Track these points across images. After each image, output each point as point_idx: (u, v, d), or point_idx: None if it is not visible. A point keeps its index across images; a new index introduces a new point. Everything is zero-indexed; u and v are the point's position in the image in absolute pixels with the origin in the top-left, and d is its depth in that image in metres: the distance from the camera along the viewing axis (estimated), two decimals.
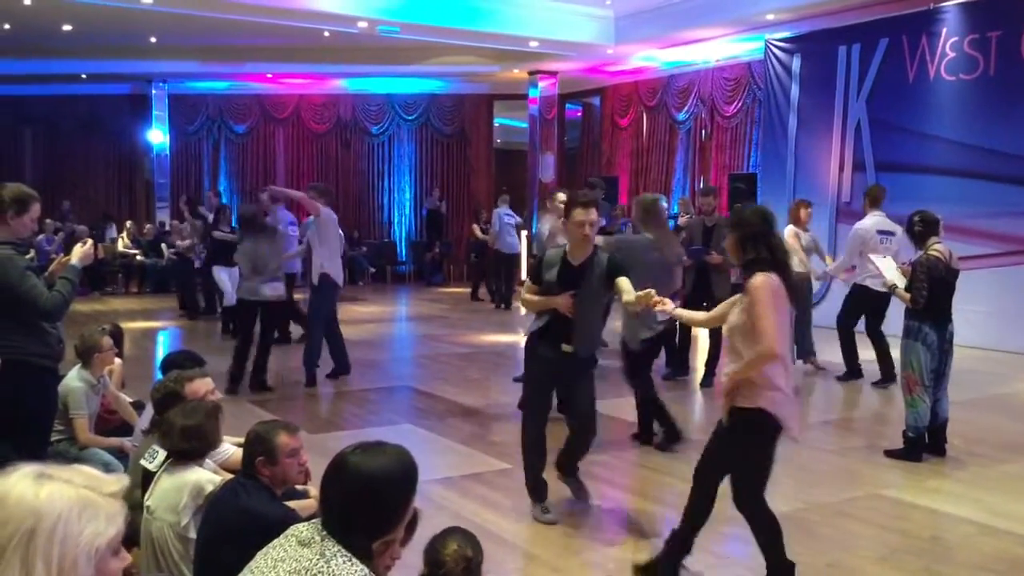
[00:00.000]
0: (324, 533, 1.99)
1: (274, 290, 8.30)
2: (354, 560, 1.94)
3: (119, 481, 1.45)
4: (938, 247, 6.05)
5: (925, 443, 6.10)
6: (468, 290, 16.06)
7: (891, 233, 8.34)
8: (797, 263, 8.77)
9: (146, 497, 3.38)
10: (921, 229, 6.10)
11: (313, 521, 2.09)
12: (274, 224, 8.74)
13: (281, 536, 2.08)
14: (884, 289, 6.79)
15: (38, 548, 1.31)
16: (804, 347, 8.99)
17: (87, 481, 1.40)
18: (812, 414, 7.73)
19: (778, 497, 5.30)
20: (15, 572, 1.30)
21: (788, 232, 8.73)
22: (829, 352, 9.17)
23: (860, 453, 6.31)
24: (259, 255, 8.22)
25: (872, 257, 6.91)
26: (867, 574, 4.25)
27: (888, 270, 6.43)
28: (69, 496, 1.35)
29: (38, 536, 1.31)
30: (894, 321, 6.79)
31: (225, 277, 11.26)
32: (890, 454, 6.11)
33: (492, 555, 4.29)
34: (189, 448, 3.35)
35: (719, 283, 7.94)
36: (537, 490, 4.97)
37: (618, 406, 7.07)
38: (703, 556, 4.25)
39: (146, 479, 3.55)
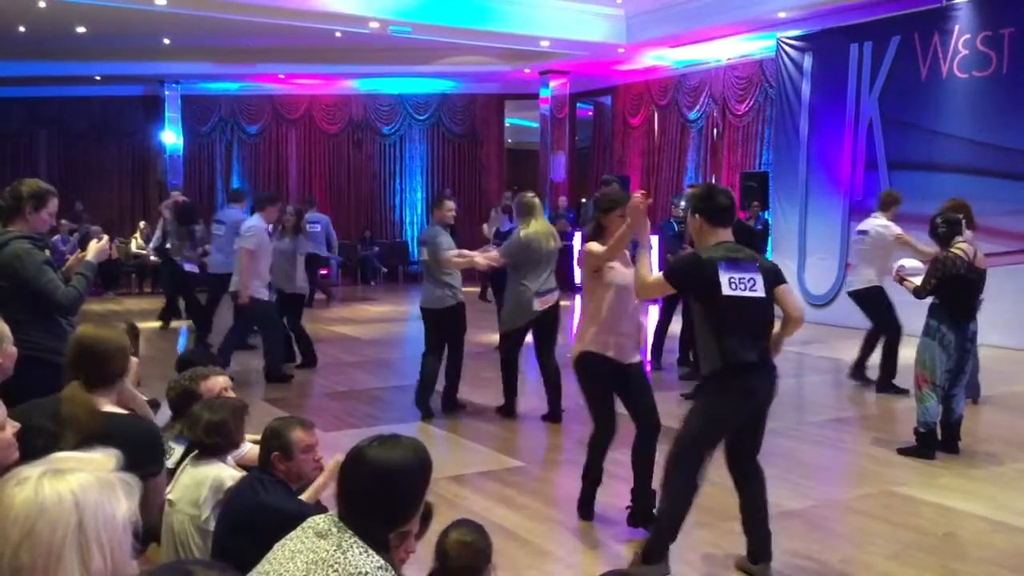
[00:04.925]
0: (341, 525, 2.03)
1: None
2: (370, 551, 1.97)
3: (109, 456, 1.47)
4: (962, 245, 6.01)
5: (937, 440, 6.09)
6: (477, 290, 16.04)
7: (863, 232, 8.40)
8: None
9: (167, 491, 3.41)
10: (945, 231, 6.08)
11: (330, 513, 2.12)
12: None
13: (298, 528, 2.11)
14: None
15: (89, 539, 1.35)
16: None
17: (92, 463, 1.44)
18: (824, 412, 7.73)
19: (791, 494, 5.32)
20: (75, 568, 1.34)
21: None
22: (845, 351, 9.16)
23: (872, 450, 6.31)
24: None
25: (903, 262, 6.77)
26: (880, 571, 4.25)
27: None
28: (91, 482, 1.39)
29: (86, 528, 1.35)
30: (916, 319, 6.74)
31: None
32: (903, 452, 6.10)
33: (505, 551, 4.31)
34: (211, 443, 3.38)
35: None
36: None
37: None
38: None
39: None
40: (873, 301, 8.19)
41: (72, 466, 1.41)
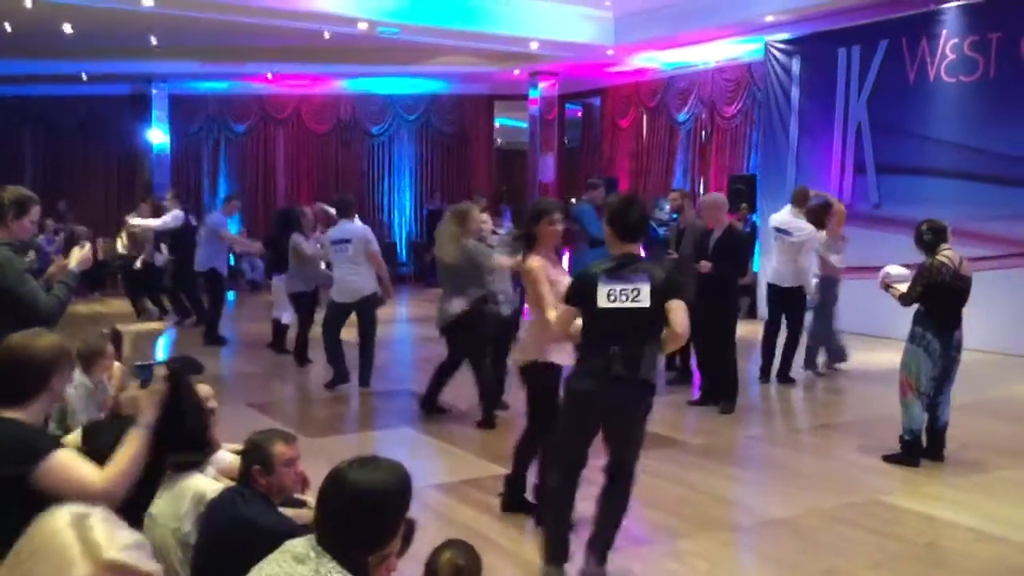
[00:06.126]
0: (319, 549, 2.01)
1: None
2: None
3: (131, 548, 1.46)
4: (947, 253, 5.99)
5: (922, 447, 6.10)
6: None
7: (786, 232, 8.59)
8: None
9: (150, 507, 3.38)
10: (931, 238, 6.07)
11: (308, 536, 2.09)
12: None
13: (276, 551, 2.08)
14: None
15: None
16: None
17: (91, 535, 1.42)
18: (809, 419, 7.74)
19: (775, 503, 5.33)
20: None
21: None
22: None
23: (858, 458, 6.31)
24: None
25: (889, 269, 6.80)
26: None
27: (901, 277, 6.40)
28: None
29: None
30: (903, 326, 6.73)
31: (283, 287, 10.16)
32: (888, 459, 6.11)
33: (488, 561, 4.28)
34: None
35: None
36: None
37: None
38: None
39: None
40: (789, 298, 8.59)
41: (89, 523, 1.46)
